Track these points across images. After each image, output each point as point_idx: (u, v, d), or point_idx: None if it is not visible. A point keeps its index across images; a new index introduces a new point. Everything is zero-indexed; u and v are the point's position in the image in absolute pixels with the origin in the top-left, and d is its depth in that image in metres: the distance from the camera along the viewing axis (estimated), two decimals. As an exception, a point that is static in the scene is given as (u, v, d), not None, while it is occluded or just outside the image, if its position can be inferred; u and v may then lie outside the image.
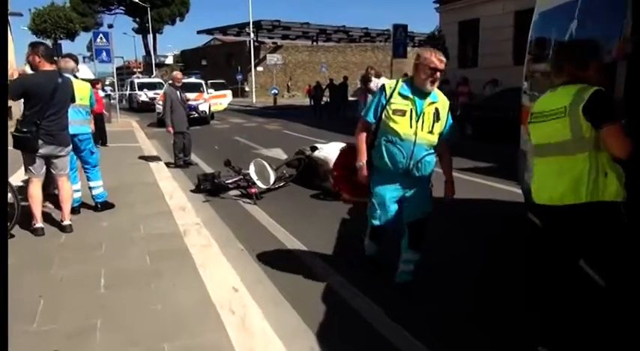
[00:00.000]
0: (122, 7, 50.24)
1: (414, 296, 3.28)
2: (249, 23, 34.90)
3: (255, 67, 36.23)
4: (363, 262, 3.77)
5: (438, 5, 20.67)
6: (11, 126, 4.18)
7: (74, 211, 4.89)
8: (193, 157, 9.22)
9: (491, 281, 3.62)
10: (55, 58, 4.89)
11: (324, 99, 22.42)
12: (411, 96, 3.03)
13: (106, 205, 5.29)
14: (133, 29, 53.83)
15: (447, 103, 3.18)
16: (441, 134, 3.11)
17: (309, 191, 6.56)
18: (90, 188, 5.26)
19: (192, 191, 6.61)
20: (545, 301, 2.47)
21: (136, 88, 26.87)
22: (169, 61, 54.56)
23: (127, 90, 29.54)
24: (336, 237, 4.68)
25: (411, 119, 3.00)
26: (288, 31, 45.53)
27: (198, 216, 5.10)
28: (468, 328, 2.94)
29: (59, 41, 29.48)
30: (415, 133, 3.01)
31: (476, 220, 5.09)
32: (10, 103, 7.92)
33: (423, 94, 3.04)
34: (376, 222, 3.24)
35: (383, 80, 9.77)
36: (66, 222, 4.49)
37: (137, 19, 51.23)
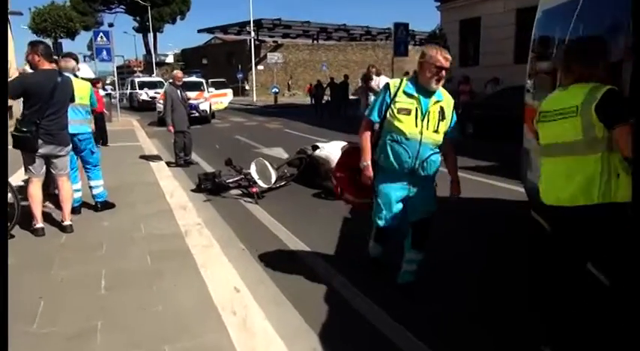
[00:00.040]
0: (122, 6, 50.19)
1: (417, 296, 3.26)
2: (249, 22, 34.84)
3: (256, 65, 36.19)
4: (365, 262, 3.75)
5: (439, 4, 20.62)
6: (11, 125, 4.16)
7: (75, 211, 4.87)
8: (194, 156, 9.20)
9: (494, 281, 3.60)
10: (56, 57, 4.88)
11: (325, 98, 22.40)
12: (415, 94, 2.99)
13: (107, 205, 5.27)
14: (133, 28, 53.89)
15: (452, 101, 3.14)
16: (445, 133, 3.08)
17: (311, 190, 6.54)
18: (90, 188, 5.24)
19: (193, 190, 6.59)
20: (550, 302, 2.44)
21: (137, 87, 26.89)
22: (170, 60, 54.53)
23: (127, 89, 29.56)
24: (338, 236, 4.66)
25: (416, 118, 2.97)
26: (288, 29, 45.46)
27: (199, 215, 5.08)
28: (471, 328, 2.91)
29: (59, 40, 29.46)
30: (421, 133, 2.97)
31: (479, 220, 5.07)
32: (11, 102, 7.91)
33: (428, 93, 3.00)
34: (382, 222, 3.18)
35: (383, 78, 9.75)
36: (66, 222, 4.47)
37: (137, 18, 51.19)
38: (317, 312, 3.11)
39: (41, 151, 4.22)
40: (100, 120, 9.98)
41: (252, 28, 35.36)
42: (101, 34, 17.38)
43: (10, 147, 3.06)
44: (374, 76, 9.58)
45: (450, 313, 3.09)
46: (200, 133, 12.55)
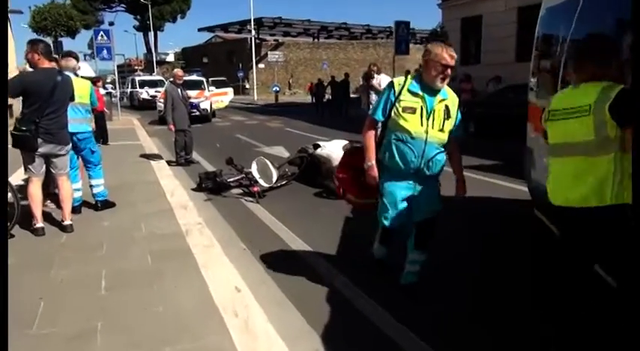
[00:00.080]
0: (123, 5, 50.20)
1: (420, 297, 3.22)
2: (250, 20, 34.78)
3: (257, 64, 36.13)
4: (368, 262, 3.71)
5: (440, 2, 20.56)
6: (12, 124, 4.13)
7: (75, 210, 4.85)
8: (195, 155, 9.17)
9: (496, 280, 3.57)
10: (56, 55, 4.84)
11: (326, 96, 22.35)
12: (420, 93, 2.95)
13: (107, 204, 5.25)
14: (133, 27, 53.88)
15: (457, 99, 3.10)
16: (450, 132, 3.04)
17: (312, 189, 6.51)
18: (91, 186, 5.22)
19: (193, 190, 6.57)
20: (556, 303, 2.41)
21: (137, 86, 26.87)
22: (170, 58, 54.56)
23: (128, 88, 29.53)
24: (340, 236, 4.63)
25: (421, 117, 2.92)
26: (289, 28, 45.41)
27: (200, 215, 5.05)
28: (474, 329, 2.89)
29: (60, 39, 29.36)
30: (426, 132, 2.93)
31: (481, 219, 5.03)
32: (11, 101, 7.89)
33: (433, 91, 2.96)
34: (387, 222, 3.13)
35: (383, 76, 9.72)
36: (66, 222, 4.45)
37: (138, 17, 51.17)
38: (319, 313, 3.08)
39: (41, 150, 4.19)
40: (100, 119, 9.97)
41: (252, 26, 35.29)
42: (102, 32, 17.36)
43: (9, 146, 3.04)
44: (375, 75, 9.57)
45: (453, 314, 3.06)
46: (201, 132, 12.53)
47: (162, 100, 11.64)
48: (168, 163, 8.58)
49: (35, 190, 4.32)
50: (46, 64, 4.28)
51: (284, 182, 6.76)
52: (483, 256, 4.07)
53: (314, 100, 23.09)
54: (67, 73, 4.64)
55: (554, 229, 3.39)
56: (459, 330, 2.88)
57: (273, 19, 41.47)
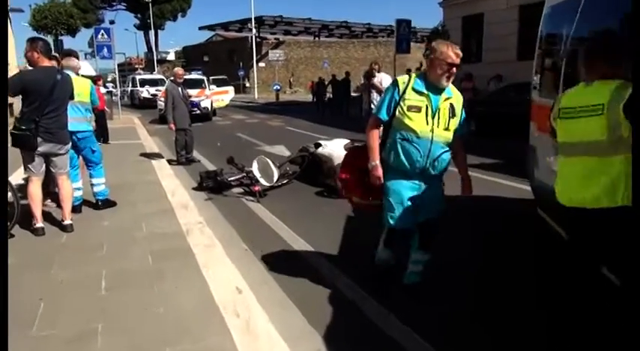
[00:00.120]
0: (123, 3, 50.17)
1: (423, 297, 3.20)
2: (251, 19, 34.76)
3: (257, 63, 36.11)
4: (369, 262, 3.67)
5: (441, 0, 20.51)
6: (11, 123, 4.11)
7: (75, 209, 4.82)
8: (195, 154, 9.15)
9: (500, 280, 3.55)
10: (56, 54, 4.81)
11: (327, 95, 22.31)
12: (425, 92, 2.91)
13: (108, 203, 5.23)
14: (134, 25, 53.93)
15: (461, 98, 3.07)
16: (455, 130, 3.00)
17: (313, 188, 6.49)
18: (92, 185, 5.20)
19: (194, 189, 6.55)
20: (562, 302, 2.39)
21: (138, 85, 26.86)
22: (171, 57, 54.54)
23: (128, 86, 29.51)
24: (342, 235, 4.60)
25: (426, 116, 2.89)
26: (290, 26, 45.33)
27: (201, 214, 5.03)
28: (478, 329, 2.86)
29: (60, 37, 29.33)
30: (432, 131, 2.89)
31: (483, 218, 5.00)
32: (11, 100, 7.86)
33: (438, 90, 2.92)
34: (393, 222, 3.07)
35: (384, 75, 9.71)
36: (67, 221, 4.42)
37: (138, 15, 51.15)
38: (321, 313, 3.05)
39: (40, 149, 4.17)
40: (101, 118, 9.94)
41: (253, 25, 35.28)
42: (102, 31, 17.32)
43: (9, 145, 3.01)
44: (376, 73, 9.56)
45: (457, 314, 3.03)
46: (201, 131, 12.50)
47: (162, 99, 11.62)
48: (169, 162, 8.55)
49: (35, 190, 4.29)
50: (46, 62, 4.25)
51: (285, 181, 6.73)
52: (486, 255, 4.05)
53: (315, 99, 23.06)
54: (67, 72, 4.61)
55: (558, 228, 3.37)
56: (463, 330, 2.86)
57: (274, 17, 41.39)
